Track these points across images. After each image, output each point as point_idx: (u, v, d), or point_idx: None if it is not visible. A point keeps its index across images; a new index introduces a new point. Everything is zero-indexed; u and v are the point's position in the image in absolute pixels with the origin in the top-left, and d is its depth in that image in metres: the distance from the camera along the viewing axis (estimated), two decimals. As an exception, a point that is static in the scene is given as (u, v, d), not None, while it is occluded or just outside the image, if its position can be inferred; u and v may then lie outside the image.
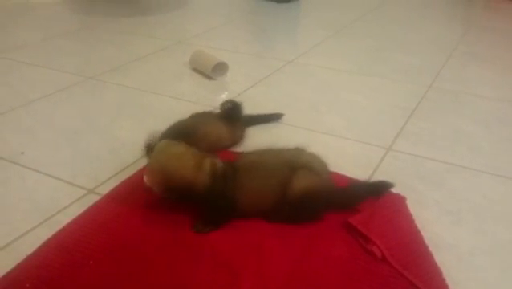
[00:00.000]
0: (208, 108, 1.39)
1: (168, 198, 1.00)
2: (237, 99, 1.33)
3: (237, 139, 1.30)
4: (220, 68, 1.77)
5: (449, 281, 0.86)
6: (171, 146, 1.00)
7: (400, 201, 1.06)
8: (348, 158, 1.25)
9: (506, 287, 0.89)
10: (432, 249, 0.93)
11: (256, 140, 1.32)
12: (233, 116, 1.30)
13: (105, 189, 1.11)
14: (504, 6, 2.99)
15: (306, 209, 0.98)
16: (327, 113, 1.53)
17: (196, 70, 1.84)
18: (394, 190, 1.07)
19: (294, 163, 1.00)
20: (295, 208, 0.97)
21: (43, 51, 2.06)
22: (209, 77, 1.77)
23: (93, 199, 1.08)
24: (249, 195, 0.98)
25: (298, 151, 1.04)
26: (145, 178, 0.98)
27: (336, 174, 1.12)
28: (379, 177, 1.15)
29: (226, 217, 0.99)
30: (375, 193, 1.04)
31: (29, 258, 0.90)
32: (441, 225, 1.03)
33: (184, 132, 1.17)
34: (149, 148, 1.08)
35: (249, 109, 1.37)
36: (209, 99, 1.60)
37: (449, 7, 3.01)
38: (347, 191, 1.05)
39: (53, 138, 1.36)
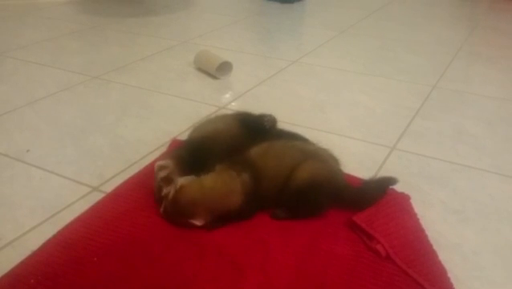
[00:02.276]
0: (212, 108, 1.39)
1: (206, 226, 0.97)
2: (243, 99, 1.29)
3: None
4: (224, 68, 1.77)
5: (453, 280, 0.86)
6: (206, 180, 0.99)
7: (404, 199, 1.05)
8: (353, 157, 1.24)
9: (511, 287, 0.88)
10: (436, 248, 0.93)
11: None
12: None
13: (110, 187, 1.11)
14: (509, 7, 2.99)
15: (311, 195, 0.98)
16: (332, 113, 1.53)
17: (200, 69, 1.84)
18: (398, 189, 1.06)
19: (305, 150, 1.04)
20: (300, 193, 0.97)
21: (49, 51, 2.07)
22: (213, 76, 1.77)
23: (98, 197, 1.08)
24: (264, 177, 0.99)
25: (311, 143, 1.09)
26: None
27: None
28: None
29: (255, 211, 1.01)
30: (381, 190, 1.05)
31: (34, 255, 0.90)
32: (446, 224, 1.02)
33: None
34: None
35: (253, 109, 1.37)
36: (213, 98, 1.61)
37: (454, 7, 3.01)
38: (359, 191, 1.05)
39: (58, 136, 1.36)
